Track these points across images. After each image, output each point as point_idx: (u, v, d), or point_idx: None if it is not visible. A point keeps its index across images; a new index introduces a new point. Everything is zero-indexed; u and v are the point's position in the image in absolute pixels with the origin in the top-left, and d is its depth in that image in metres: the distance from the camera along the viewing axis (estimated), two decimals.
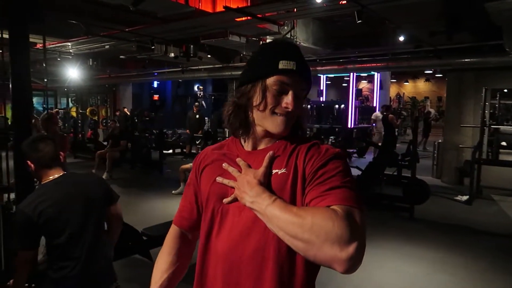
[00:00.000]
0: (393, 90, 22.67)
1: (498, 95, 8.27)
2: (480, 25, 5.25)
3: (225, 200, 1.05)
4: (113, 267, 2.11)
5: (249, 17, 5.61)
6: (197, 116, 11.63)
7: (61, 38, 7.45)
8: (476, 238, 4.98)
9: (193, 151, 11.32)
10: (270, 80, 1.02)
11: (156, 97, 21.21)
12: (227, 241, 1.04)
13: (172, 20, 5.97)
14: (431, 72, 20.71)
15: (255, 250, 1.00)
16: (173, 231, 1.24)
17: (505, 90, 8.19)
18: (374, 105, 17.50)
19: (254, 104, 1.05)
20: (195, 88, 21.77)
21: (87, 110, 13.26)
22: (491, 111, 7.58)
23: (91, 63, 9.95)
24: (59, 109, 11.85)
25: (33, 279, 2.05)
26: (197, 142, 11.70)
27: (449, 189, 7.71)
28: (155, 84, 21.69)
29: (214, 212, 1.08)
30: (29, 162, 1.96)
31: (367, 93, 19.76)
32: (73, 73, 10.44)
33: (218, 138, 11.17)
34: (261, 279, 0.99)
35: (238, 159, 1.07)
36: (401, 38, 6.28)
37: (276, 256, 0.98)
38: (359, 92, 18.36)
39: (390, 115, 8.56)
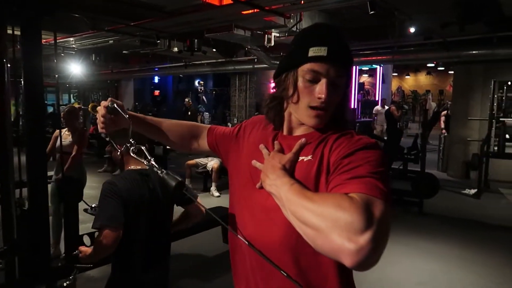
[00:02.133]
0: (394, 84, 22.57)
1: (505, 87, 8.20)
2: (492, 15, 5.17)
3: (258, 185, 1.02)
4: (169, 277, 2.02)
5: (256, 10, 5.52)
6: (189, 113, 11.42)
7: (66, 33, 7.35)
8: (489, 232, 4.94)
9: None
10: (301, 70, 0.97)
11: (157, 92, 21.13)
12: (253, 225, 1.04)
13: (179, 13, 5.87)
14: (433, 65, 20.61)
15: (283, 235, 0.96)
16: (198, 125, 1.35)
17: (509, 83, 8.11)
18: (376, 99, 17.45)
19: (288, 95, 1.01)
20: (196, 83, 21.68)
21: (89, 106, 13.14)
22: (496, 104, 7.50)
23: (94, 59, 9.86)
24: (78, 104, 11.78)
25: None
26: None
27: (456, 183, 7.67)
28: (156, 79, 21.60)
29: (243, 188, 1.09)
30: (118, 146, 1.89)
31: (369, 87, 19.70)
32: (75, 68, 10.33)
33: None
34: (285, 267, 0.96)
35: (276, 142, 1.06)
36: (412, 30, 6.18)
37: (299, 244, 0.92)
38: (361, 86, 18.31)
39: (392, 107, 8.52)
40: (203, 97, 19.75)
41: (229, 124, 12.32)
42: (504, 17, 5.27)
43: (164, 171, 1.04)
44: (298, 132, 1.06)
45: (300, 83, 0.97)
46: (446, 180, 7.82)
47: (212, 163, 6.89)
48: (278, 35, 7.38)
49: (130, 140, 1.17)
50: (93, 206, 3.34)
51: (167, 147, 10.43)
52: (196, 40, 7.79)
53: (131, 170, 1.86)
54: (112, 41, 7.34)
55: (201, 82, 21.37)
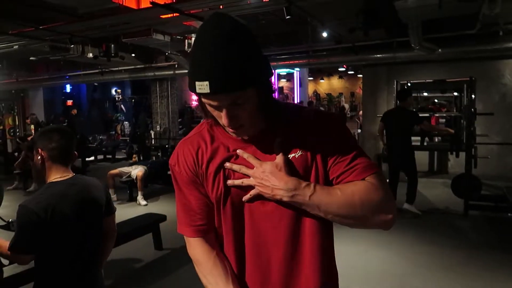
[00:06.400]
0: (310, 88, 23.82)
1: (405, 87, 9.12)
2: (392, 22, 5.76)
3: (245, 198, 1.00)
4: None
5: (175, 14, 5.50)
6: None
7: None
8: (400, 216, 5.46)
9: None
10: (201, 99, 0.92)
11: (69, 102, 19.75)
12: (258, 233, 1.02)
13: (93, 17, 5.62)
14: (344, 69, 22.14)
15: (290, 233, 1.01)
16: (201, 245, 1.07)
17: (409, 84, 9.04)
18: (295, 102, 18.26)
19: (205, 116, 1.00)
20: (113, 91, 20.69)
21: None
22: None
23: None
24: None
25: None
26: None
27: None
28: (68, 88, 20.20)
29: (235, 209, 1.03)
30: (39, 150, 1.67)
31: (287, 91, 20.52)
32: None
33: (146, 141, 10.78)
34: (298, 259, 1.02)
35: (239, 151, 1.00)
36: (324, 34, 6.64)
37: (310, 233, 1.01)
38: (280, 90, 19.02)
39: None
40: (121, 105, 18.93)
41: (152, 132, 11.99)
42: (401, 23, 5.89)
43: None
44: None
45: (208, 108, 0.94)
46: None
47: (136, 171, 6.68)
48: None
49: None
50: (10, 220, 3.07)
51: (86, 158, 9.81)
52: (112, 45, 7.50)
53: (53, 182, 1.70)
54: (17, 46, 6.75)
55: (118, 90, 20.43)
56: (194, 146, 1.05)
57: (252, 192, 0.98)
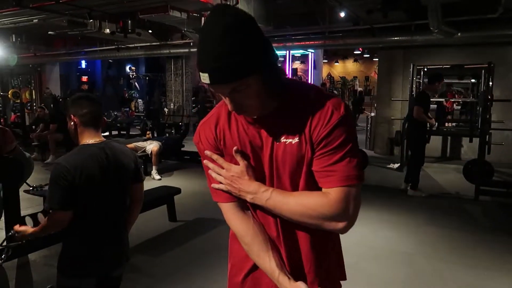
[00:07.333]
0: (324, 70, 23.58)
1: (422, 72, 9.00)
2: (410, 4, 5.68)
3: (213, 186, 1.14)
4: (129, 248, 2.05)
5: None
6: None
7: None
8: (410, 199, 5.52)
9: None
10: None
11: (85, 78, 19.95)
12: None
13: None
14: (359, 52, 21.84)
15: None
16: (231, 209, 1.14)
17: (425, 68, 8.91)
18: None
19: (216, 98, 1.07)
20: (127, 68, 20.81)
21: (9, 93, 12.17)
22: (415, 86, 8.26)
23: (14, 40, 9.08)
24: None
25: None
26: None
27: (382, 159, 8.36)
28: (83, 64, 20.39)
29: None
30: (72, 117, 1.80)
31: (301, 73, 20.37)
32: None
33: (161, 118, 10.93)
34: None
35: (207, 152, 1.13)
36: (342, 14, 6.57)
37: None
38: (294, 71, 18.89)
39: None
40: (135, 83, 19.07)
41: (166, 110, 12.11)
42: (420, 6, 5.79)
43: None
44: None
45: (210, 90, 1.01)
46: (374, 157, 8.48)
47: (151, 146, 6.81)
48: None
49: None
50: (34, 186, 3.23)
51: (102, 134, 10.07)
52: (129, 21, 7.53)
53: (85, 145, 1.80)
54: (36, 20, 6.84)
55: (133, 68, 20.55)
56: (213, 124, 1.14)
57: (222, 186, 1.12)
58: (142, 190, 2.06)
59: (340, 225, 1.04)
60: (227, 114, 1.12)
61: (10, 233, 1.91)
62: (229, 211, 1.14)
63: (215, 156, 1.12)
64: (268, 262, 1.09)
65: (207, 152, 1.13)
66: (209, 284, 3.13)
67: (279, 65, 1.02)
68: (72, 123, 1.82)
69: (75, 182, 1.70)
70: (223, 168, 1.11)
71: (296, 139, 1.04)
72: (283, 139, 1.05)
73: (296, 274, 1.11)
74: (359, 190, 1.05)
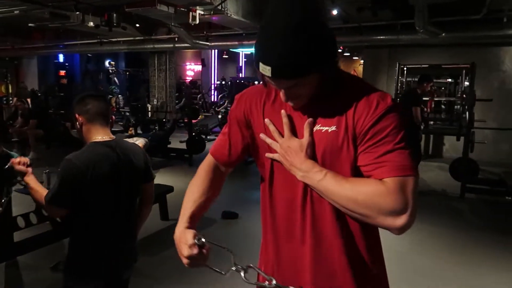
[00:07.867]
0: None
1: (405, 71, 9.15)
2: (398, 2, 5.74)
3: (268, 155, 1.08)
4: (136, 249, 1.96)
5: None
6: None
7: None
8: None
9: None
10: None
11: (62, 72, 19.38)
12: (289, 188, 1.06)
13: None
14: (340, 51, 22.00)
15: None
16: (209, 162, 1.23)
17: (405, 68, 9.04)
18: None
19: (269, 88, 1.08)
20: (106, 63, 20.33)
21: None
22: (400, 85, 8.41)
23: None
24: None
25: None
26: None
27: None
28: (61, 58, 19.79)
29: (274, 162, 1.09)
30: (77, 116, 1.74)
31: None
32: None
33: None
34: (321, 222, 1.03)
35: (266, 120, 1.08)
36: (335, 12, 6.60)
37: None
38: None
39: None
40: (115, 78, 18.66)
41: (149, 106, 11.90)
42: (408, 5, 5.86)
43: None
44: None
45: (269, 82, 1.00)
46: None
47: (137, 142, 6.65)
48: (202, 13, 7.27)
49: None
50: (23, 184, 3.09)
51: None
52: (115, 15, 7.35)
53: (96, 142, 1.75)
54: (18, 11, 6.58)
55: (112, 63, 20.07)
56: (261, 94, 1.13)
57: (276, 156, 1.06)
58: (153, 189, 2.00)
59: (399, 221, 0.90)
60: (275, 92, 1.11)
61: (7, 166, 1.83)
62: (207, 161, 1.23)
63: (272, 127, 1.06)
64: (189, 203, 1.16)
65: (267, 120, 1.07)
66: (209, 282, 3.09)
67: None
68: (77, 123, 1.77)
69: (84, 182, 1.64)
70: (282, 136, 1.05)
71: (333, 127, 0.99)
72: (318, 127, 1.01)
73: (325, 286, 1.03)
74: (416, 185, 0.93)
